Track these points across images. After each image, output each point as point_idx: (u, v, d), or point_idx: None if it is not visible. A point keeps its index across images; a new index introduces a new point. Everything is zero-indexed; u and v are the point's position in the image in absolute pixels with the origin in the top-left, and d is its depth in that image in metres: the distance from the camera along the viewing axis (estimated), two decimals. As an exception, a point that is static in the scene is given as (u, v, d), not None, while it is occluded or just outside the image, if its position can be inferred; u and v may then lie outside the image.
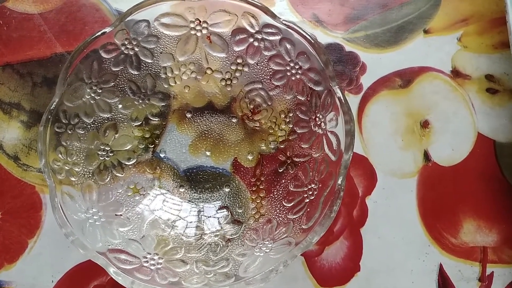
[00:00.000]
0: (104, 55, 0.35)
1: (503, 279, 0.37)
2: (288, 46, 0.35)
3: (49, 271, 0.37)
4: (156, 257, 0.32)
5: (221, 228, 0.35)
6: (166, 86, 0.38)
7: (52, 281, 0.37)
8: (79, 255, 0.30)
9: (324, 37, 0.42)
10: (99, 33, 0.34)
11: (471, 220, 0.38)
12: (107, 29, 0.34)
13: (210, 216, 0.36)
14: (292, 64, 0.36)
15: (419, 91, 0.41)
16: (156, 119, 0.38)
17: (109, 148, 0.36)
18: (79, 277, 0.37)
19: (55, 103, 0.33)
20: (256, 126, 0.38)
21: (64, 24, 0.43)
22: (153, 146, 0.38)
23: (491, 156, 0.40)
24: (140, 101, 0.38)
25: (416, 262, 0.37)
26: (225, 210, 0.36)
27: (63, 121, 0.33)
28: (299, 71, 0.35)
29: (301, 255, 0.37)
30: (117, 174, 0.36)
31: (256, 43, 0.36)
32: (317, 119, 0.35)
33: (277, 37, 0.35)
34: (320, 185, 0.33)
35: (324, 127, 0.34)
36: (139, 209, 0.35)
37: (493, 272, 0.37)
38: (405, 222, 0.38)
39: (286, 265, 0.29)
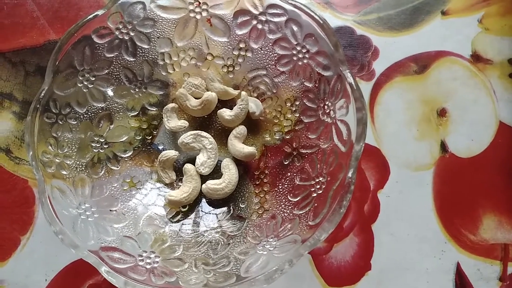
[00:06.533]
0: (97, 40, 0.33)
1: (528, 280, 0.34)
2: (295, 28, 0.32)
3: (43, 269, 0.35)
4: (152, 256, 0.30)
5: (219, 224, 0.33)
6: (164, 73, 0.36)
7: (46, 279, 0.35)
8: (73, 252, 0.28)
9: (334, 20, 0.40)
10: (91, 16, 0.32)
11: (492, 215, 0.35)
12: (100, 12, 0.32)
13: (208, 212, 0.34)
14: (299, 48, 0.33)
15: (436, 77, 0.38)
16: (154, 109, 0.36)
17: (103, 140, 0.34)
18: (73, 275, 0.35)
19: (44, 91, 0.31)
20: (260, 116, 0.36)
21: (57, 10, 0.41)
22: (150, 137, 0.36)
23: (514, 147, 0.37)
24: (137, 90, 0.36)
25: (431, 260, 0.35)
26: (224, 206, 0.34)
27: (53, 110, 0.31)
28: (306, 55, 0.33)
29: (308, 253, 0.35)
30: (112, 167, 0.34)
31: (260, 26, 0.34)
32: (325, 107, 0.32)
33: (283, 19, 0.33)
34: (328, 178, 0.30)
35: (334, 115, 0.31)
36: (135, 204, 0.33)
37: (516, 272, 0.35)
38: (420, 218, 0.35)
39: (291, 264, 0.27)
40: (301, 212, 0.31)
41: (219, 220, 0.33)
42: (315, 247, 0.28)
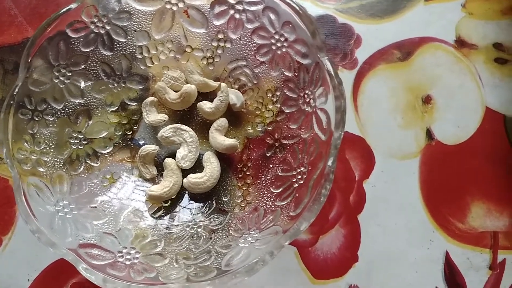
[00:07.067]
0: (71, 34, 0.32)
1: (517, 266, 0.34)
2: (272, 16, 0.32)
3: (25, 269, 0.34)
4: (132, 252, 0.29)
5: (202, 218, 0.32)
6: (143, 67, 0.35)
7: (28, 279, 0.34)
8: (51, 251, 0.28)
9: (315, 9, 0.39)
10: (64, 9, 0.31)
11: (480, 203, 0.35)
12: (73, 5, 0.31)
13: (190, 207, 0.33)
14: (277, 37, 0.32)
15: (420, 64, 0.38)
16: (134, 104, 0.36)
17: (82, 136, 0.34)
18: (56, 275, 0.34)
19: (18, 87, 0.30)
20: (242, 108, 0.35)
21: (35, 7, 0.40)
22: (131, 132, 0.35)
23: (500, 133, 0.36)
24: (115, 85, 0.35)
25: (420, 250, 0.34)
26: (207, 200, 0.33)
27: (29, 107, 0.31)
28: (285, 44, 0.32)
29: (293, 245, 0.34)
30: (92, 164, 0.33)
31: (237, 15, 0.33)
32: (305, 96, 0.32)
33: (260, 7, 0.32)
34: (309, 168, 0.30)
35: (314, 104, 0.31)
36: (115, 200, 0.33)
37: (505, 259, 0.34)
38: (407, 207, 0.35)
39: (272, 256, 0.26)
40: (283, 203, 0.30)
41: (201, 214, 0.33)
42: (296, 237, 0.27)
